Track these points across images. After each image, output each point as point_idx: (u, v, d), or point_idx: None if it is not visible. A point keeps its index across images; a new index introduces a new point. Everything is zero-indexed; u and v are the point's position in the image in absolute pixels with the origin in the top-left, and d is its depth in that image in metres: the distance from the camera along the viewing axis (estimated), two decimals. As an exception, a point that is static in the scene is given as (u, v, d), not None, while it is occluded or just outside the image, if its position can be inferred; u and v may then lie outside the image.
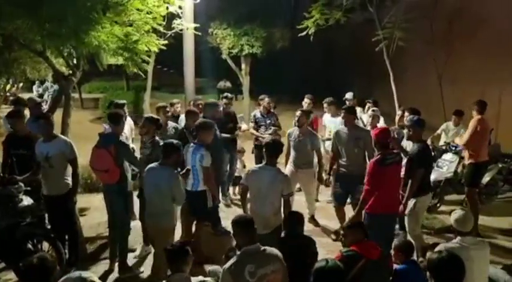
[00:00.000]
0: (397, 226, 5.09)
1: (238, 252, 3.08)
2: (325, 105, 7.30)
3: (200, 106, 6.71)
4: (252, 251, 3.02)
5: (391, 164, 4.45)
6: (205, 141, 4.95)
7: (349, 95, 8.23)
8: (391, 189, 4.49)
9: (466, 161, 6.40)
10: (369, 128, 6.27)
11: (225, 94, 7.37)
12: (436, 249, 3.16)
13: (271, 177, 4.24)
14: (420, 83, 11.80)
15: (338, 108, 6.89)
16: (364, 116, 7.46)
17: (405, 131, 4.93)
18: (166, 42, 5.99)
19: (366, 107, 8.02)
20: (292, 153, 6.00)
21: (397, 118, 6.77)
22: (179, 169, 4.74)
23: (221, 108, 6.83)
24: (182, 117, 6.65)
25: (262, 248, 3.09)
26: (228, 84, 20.01)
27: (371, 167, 4.45)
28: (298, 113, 5.97)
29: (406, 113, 5.91)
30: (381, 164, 4.41)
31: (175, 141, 4.49)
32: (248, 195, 4.46)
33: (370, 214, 4.48)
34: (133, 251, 5.35)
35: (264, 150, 4.45)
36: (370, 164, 4.50)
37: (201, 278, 2.95)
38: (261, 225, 3.95)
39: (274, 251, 3.14)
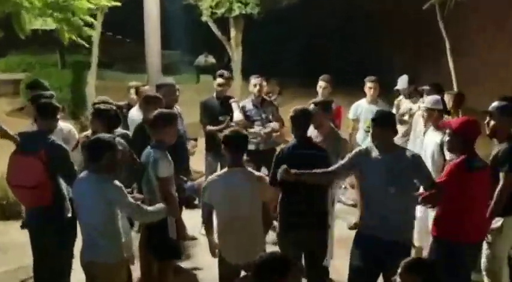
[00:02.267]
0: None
1: None
2: (369, 84, 7.31)
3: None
4: None
5: (478, 170, 4.45)
6: (164, 141, 4.84)
7: (402, 82, 7.42)
8: (476, 206, 4.48)
9: None
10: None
11: (221, 71, 7.20)
12: None
13: (243, 183, 4.32)
14: (490, 56, 11.80)
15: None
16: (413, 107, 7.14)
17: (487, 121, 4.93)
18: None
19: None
20: None
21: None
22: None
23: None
24: (134, 109, 6.60)
25: None
26: (211, 59, 20.05)
27: (453, 171, 4.44)
28: (311, 106, 5.67)
29: None
30: (467, 168, 4.40)
31: (107, 135, 4.39)
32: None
33: (441, 240, 4.50)
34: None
35: (223, 147, 4.46)
36: (453, 169, 4.46)
37: None
38: (243, 253, 4.21)
39: None
